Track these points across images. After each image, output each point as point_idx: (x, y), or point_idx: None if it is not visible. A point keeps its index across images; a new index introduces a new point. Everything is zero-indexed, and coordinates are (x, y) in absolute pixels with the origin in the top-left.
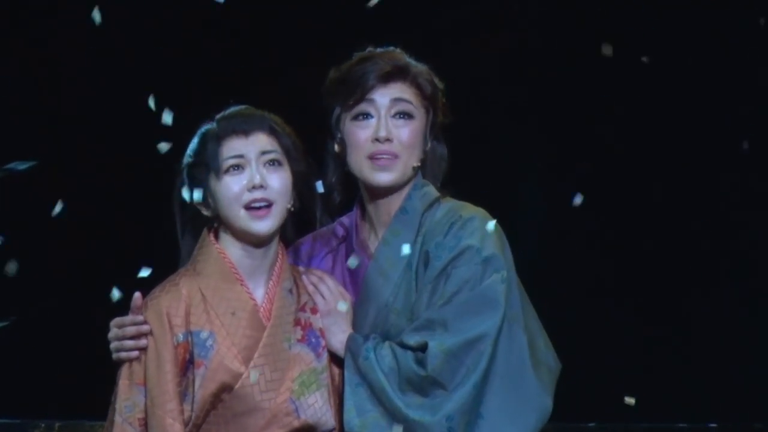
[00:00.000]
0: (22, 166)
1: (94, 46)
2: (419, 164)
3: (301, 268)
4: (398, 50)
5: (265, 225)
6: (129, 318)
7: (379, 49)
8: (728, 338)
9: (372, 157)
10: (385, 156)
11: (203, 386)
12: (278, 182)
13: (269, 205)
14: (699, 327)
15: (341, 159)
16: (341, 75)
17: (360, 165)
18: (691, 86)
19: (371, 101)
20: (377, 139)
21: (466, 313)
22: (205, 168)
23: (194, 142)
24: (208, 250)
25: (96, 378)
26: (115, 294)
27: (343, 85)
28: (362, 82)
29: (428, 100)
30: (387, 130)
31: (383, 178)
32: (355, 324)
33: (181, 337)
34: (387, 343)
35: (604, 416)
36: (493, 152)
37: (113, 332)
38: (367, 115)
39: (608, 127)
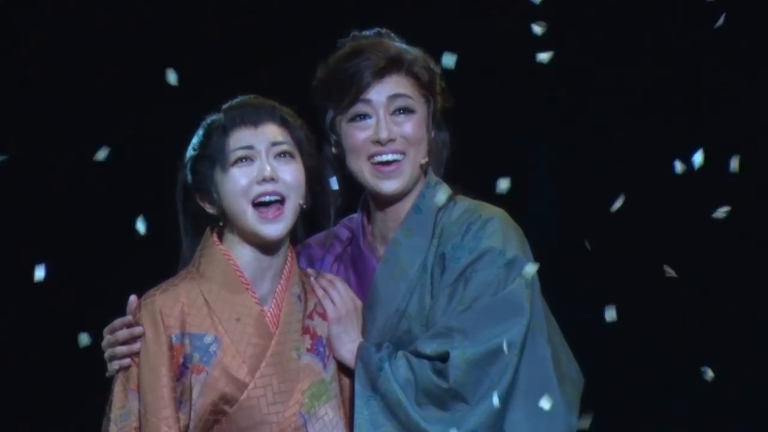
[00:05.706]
0: None
1: (89, 40)
2: (427, 160)
3: (310, 271)
4: (385, 36)
5: (275, 228)
6: (120, 321)
7: (365, 32)
8: (761, 347)
9: (374, 160)
10: (390, 155)
11: (203, 393)
12: (290, 175)
13: (281, 200)
14: (731, 334)
15: (340, 162)
16: (331, 73)
17: (362, 171)
18: (696, 86)
19: (367, 101)
20: (378, 141)
21: (489, 320)
22: (210, 161)
23: (198, 134)
24: (210, 252)
25: (77, 395)
26: (84, 340)
27: (334, 86)
28: (355, 80)
29: (426, 88)
30: (388, 130)
31: (389, 186)
32: (363, 331)
33: (174, 338)
34: (401, 353)
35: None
36: (499, 150)
37: (105, 339)
38: (364, 116)
39: (619, 122)
